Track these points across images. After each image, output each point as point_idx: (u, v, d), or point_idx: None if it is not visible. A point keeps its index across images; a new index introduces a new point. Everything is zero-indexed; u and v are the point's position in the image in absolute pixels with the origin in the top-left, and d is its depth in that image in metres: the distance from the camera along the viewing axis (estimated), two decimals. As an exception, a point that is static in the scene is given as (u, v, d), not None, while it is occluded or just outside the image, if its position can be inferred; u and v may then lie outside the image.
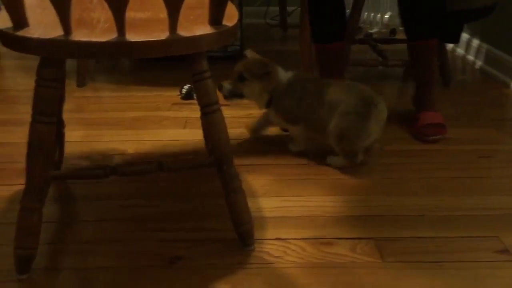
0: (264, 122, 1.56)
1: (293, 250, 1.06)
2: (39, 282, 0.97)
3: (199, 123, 1.60)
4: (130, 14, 0.99)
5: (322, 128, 1.39)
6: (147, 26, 0.94)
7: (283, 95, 1.43)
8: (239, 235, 1.07)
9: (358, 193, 1.29)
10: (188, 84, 1.89)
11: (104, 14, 1.00)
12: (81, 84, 2.00)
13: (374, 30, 2.90)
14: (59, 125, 1.28)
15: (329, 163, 1.42)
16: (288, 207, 1.22)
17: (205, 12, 1.01)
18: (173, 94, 1.92)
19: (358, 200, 1.26)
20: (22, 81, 2.11)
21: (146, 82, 2.07)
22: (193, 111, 1.77)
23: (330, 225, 1.15)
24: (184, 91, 1.88)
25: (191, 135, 1.60)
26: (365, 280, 0.98)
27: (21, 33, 0.87)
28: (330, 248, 1.07)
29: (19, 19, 0.88)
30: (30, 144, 0.93)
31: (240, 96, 1.45)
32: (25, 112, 1.75)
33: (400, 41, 2.26)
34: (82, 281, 0.98)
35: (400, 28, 2.71)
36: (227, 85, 1.43)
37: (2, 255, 1.03)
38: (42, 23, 0.92)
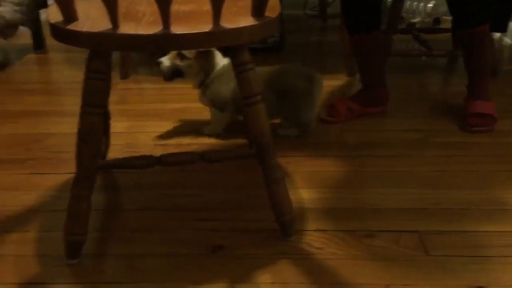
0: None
1: (334, 241, 1.06)
2: (87, 267, 1.01)
3: (239, 114, 1.63)
4: (174, 7, 1.01)
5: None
6: (191, 19, 0.95)
7: (215, 79, 1.49)
8: (280, 225, 1.07)
9: (400, 186, 1.27)
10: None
11: (149, 7, 1.02)
12: (124, 76, 2.05)
13: (417, 19, 2.83)
14: (105, 116, 1.32)
15: (282, 134, 1.53)
16: (328, 199, 1.22)
17: (247, 3, 1.01)
18: (213, 86, 1.94)
19: (401, 193, 1.24)
20: (68, 74, 2.18)
21: (187, 74, 2.10)
22: (234, 103, 1.79)
23: (372, 217, 1.14)
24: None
25: (231, 126, 1.61)
26: (408, 274, 0.97)
27: (71, 26, 0.90)
28: (372, 241, 1.06)
29: (69, 13, 0.91)
30: (80, 135, 0.96)
31: (181, 75, 1.48)
32: (71, 104, 1.83)
33: (445, 30, 2.20)
34: (128, 267, 1.01)
35: (444, 17, 2.64)
36: (166, 60, 1.45)
37: (53, 240, 1.08)
38: (89, 17, 0.95)
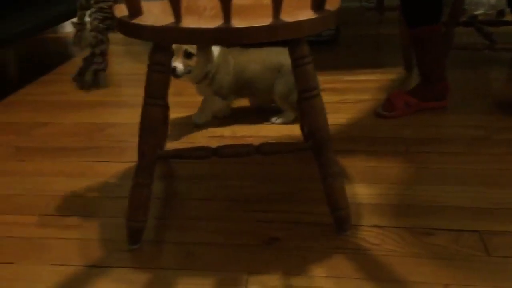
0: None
1: (391, 238, 1.05)
2: (147, 253, 1.04)
3: (295, 107, 1.63)
4: (234, 0, 1.02)
5: (262, 91, 1.58)
6: (250, 12, 0.96)
7: (219, 69, 1.54)
8: (335, 219, 1.07)
9: (461, 183, 1.23)
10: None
11: (209, 2, 1.04)
12: (181, 68, 2.09)
13: (480, 11, 2.71)
14: (165, 108, 1.36)
15: (278, 123, 1.60)
16: (385, 195, 1.20)
17: (307, -4, 1.01)
18: (268, 79, 1.95)
19: (461, 191, 1.20)
20: (128, 66, 2.25)
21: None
22: (288, 96, 1.79)
23: (431, 215, 1.11)
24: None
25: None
26: (468, 274, 0.94)
27: (136, 21, 0.93)
28: (430, 239, 1.04)
29: (134, 8, 0.94)
30: (143, 125, 1.00)
31: (189, 72, 1.47)
32: (131, 95, 1.90)
33: (509, 23, 2.10)
34: (185, 254, 1.04)
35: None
36: (179, 65, 1.44)
37: (115, 226, 1.13)
38: (153, 12, 0.97)
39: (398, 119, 1.58)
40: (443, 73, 1.62)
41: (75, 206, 1.22)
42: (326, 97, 1.65)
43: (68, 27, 2.82)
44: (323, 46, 2.28)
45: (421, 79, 1.65)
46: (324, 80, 1.90)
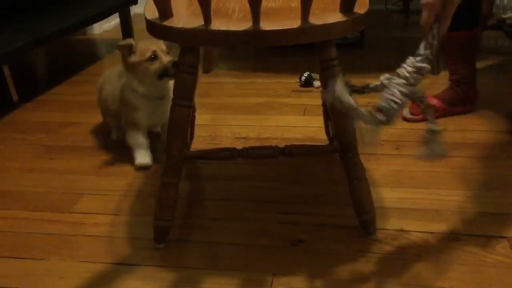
0: None
1: (417, 243, 1.04)
2: (173, 252, 1.06)
3: (318, 110, 1.63)
4: (263, 3, 1.02)
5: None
6: (279, 15, 0.97)
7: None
8: (361, 223, 1.07)
9: (489, 189, 1.21)
10: (307, 71, 1.90)
11: (238, 4, 1.05)
12: (206, 70, 2.12)
13: (508, 15, 2.66)
14: (192, 108, 1.37)
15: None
16: (412, 199, 1.19)
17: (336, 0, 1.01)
18: (292, 81, 1.95)
19: (490, 196, 1.18)
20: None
21: (265, 69, 2.13)
22: (312, 98, 1.79)
23: (459, 221, 1.10)
24: (303, 78, 1.90)
25: (310, 121, 1.62)
26: (496, 281, 0.93)
27: (166, 23, 0.94)
28: (458, 245, 1.03)
29: (165, 10, 0.95)
30: (171, 125, 1.01)
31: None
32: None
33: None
34: (210, 254, 1.05)
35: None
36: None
37: (142, 224, 1.15)
38: (183, 14, 0.99)
39: (425, 123, 1.57)
40: (474, 78, 1.60)
41: (103, 204, 1.24)
42: None
43: (96, 29, 2.87)
44: (348, 49, 2.27)
45: (451, 83, 1.62)
46: None
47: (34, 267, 1.03)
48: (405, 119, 1.58)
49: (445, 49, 1.62)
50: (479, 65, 1.89)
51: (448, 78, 1.62)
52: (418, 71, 0.87)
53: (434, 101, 1.58)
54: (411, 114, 1.58)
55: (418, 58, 0.87)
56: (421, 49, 0.88)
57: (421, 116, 1.57)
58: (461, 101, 1.60)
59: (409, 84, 0.87)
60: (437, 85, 1.84)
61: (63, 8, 2.25)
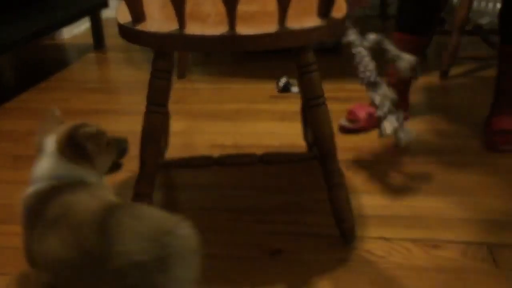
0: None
1: (397, 250, 1.02)
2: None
3: (296, 116, 1.61)
4: (239, 7, 1.00)
5: None
6: (255, 19, 0.94)
7: None
8: (340, 231, 1.05)
9: (468, 195, 1.21)
10: (284, 77, 1.88)
11: (213, 8, 1.02)
12: (181, 75, 2.08)
13: (485, 20, 2.70)
14: (166, 115, 1.34)
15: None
16: (391, 206, 1.18)
17: (313, 4, 0.99)
18: (269, 87, 1.93)
19: (469, 202, 1.18)
20: (126, 73, 2.23)
21: (242, 75, 2.10)
22: (290, 104, 1.77)
23: (438, 227, 1.09)
24: (281, 84, 1.88)
25: (289, 128, 1.60)
26: (477, 287, 0.92)
27: (139, 27, 0.91)
28: (438, 251, 1.02)
29: (137, 13, 0.92)
30: (144, 133, 0.97)
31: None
32: (129, 103, 1.87)
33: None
34: (187, 267, 1.01)
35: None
36: None
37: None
38: (156, 17, 0.95)
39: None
40: (409, 86, 1.59)
41: (73, 216, 1.19)
42: (329, 106, 1.62)
43: (65, 33, 2.80)
44: (326, 54, 2.27)
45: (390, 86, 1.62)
46: (327, 88, 1.87)
47: (4, 283, 0.98)
48: (341, 127, 1.55)
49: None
50: (456, 70, 1.92)
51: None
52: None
53: (367, 109, 1.56)
54: (347, 122, 1.55)
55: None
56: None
57: (356, 123, 1.54)
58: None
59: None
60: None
61: (30, 11, 2.18)
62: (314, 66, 0.98)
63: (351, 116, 1.56)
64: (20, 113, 1.82)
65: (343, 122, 1.57)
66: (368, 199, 1.20)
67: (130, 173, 1.36)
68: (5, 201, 1.26)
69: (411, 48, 1.53)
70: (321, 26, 0.91)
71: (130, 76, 2.18)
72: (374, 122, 1.54)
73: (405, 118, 1.57)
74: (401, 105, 1.56)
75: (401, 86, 1.55)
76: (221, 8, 1.00)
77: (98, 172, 0.91)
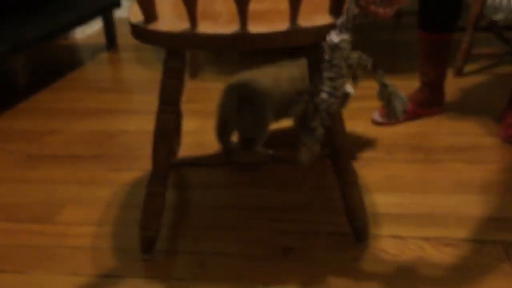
0: None
1: (411, 249, 1.02)
2: (160, 262, 1.02)
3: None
4: (250, 6, 1.00)
5: None
6: (267, 18, 0.94)
7: None
8: (353, 229, 1.04)
9: (483, 192, 1.20)
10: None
11: (224, 7, 1.02)
12: (193, 75, 2.08)
13: (500, 16, 2.66)
14: (178, 115, 1.34)
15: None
16: (405, 204, 1.17)
17: (324, 1, 0.99)
18: (280, 85, 1.92)
19: (483, 200, 1.17)
20: (138, 72, 2.24)
21: (253, 73, 2.09)
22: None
23: (453, 225, 1.08)
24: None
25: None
26: (491, 286, 0.91)
27: (151, 26, 0.91)
28: (452, 250, 1.01)
29: (150, 13, 0.92)
30: (157, 132, 0.98)
31: None
32: (142, 102, 1.88)
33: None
34: (198, 264, 1.01)
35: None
36: None
37: (127, 235, 1.11)
38: (168, 17, 0.96)
39: (416, 127, 1.55)
40: (444, 81, 1.60)
41: (87, 214, 1.20)
42: (362, 104, 1.62)
43: (78, 33, 2.82)
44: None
45: (421, 85, 1.61)
46: (362, 86, 1.86)
47: (15, 280, 0.99)
48: (374, 122, 1.57)
49: (419, 50, 1.60)
50: (470, 67, 1.90)
51: (418, 79, 1.61)
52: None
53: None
54: (380, 117, 1.57)
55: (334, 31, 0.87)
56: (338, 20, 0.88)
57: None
58: (429, 103, 1.60)
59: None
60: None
61: (43, 12, 2.20)
62: (325, 64, 0.97)
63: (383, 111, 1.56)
64: (33, 113, 1.84)
65: (376, 116, 1.58)
66: (381, 197, 1.20)
67: (142, 172, 1.37)
68: (18, 200, 1.27)
69: (438, 47, 1.53)
70: (333, 23, 0.90)
71: (143, 76, 2.19)
72: (407, 117, 1.58)
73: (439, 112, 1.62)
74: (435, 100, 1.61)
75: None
76: (233, 7, 1.00)
77: None
